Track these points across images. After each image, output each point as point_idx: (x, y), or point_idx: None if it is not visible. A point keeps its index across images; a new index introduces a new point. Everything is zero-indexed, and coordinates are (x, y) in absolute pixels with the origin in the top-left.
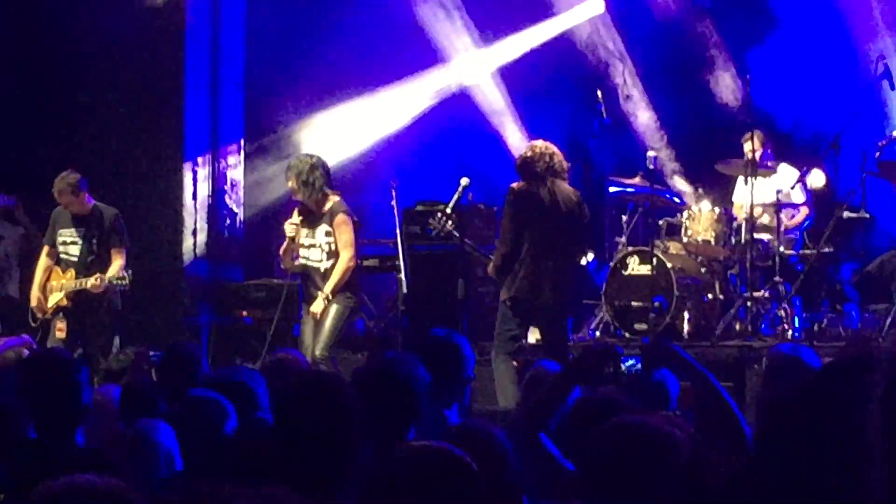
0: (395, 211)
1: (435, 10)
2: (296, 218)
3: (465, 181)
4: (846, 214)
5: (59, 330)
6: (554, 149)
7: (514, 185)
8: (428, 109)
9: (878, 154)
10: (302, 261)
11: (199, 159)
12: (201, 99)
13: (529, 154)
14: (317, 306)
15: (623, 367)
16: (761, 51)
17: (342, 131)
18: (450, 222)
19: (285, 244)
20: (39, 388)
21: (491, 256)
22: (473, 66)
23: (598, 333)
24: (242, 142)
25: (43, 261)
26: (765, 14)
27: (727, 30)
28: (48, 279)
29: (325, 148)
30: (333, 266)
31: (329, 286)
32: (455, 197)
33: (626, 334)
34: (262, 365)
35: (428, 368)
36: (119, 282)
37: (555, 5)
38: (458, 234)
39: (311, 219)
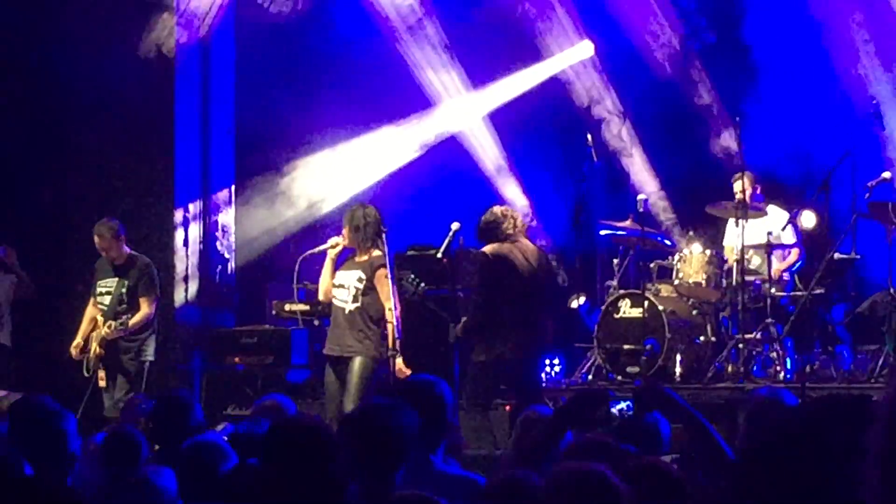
0: (386, 255)
1: (425, 54)
2: (339, 239)
3: (455, 226)
4: (837, 255)
5: (101, 379)
6: (513, 210)
7: (487, 249)
8: (419, 153)
9: (867, 195)
10: (333, 299)
11: (190, 206)
12: (192, 146)
13: (493, 218)
14: (397, 368)
15: (614, 410)
16: (751, 93)
17: (333, 176)
18: (423, 284)
19: (327, 268)
20: (26, 437)
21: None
22: (464, 109)
23: (589, 377)
24: (233, 188)
25: (88, 312)
26: (754, 58)
27: (717, 73)
28: (93, 330)
29: (316, 193)
30: (358, 309)
31: (393, 340)
32: (446, 241)
33: (618, 377)
34: (252, 411)
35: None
36: (119, 326)
37: (544, 49)
38: (429, 296)
39: (350, 264)
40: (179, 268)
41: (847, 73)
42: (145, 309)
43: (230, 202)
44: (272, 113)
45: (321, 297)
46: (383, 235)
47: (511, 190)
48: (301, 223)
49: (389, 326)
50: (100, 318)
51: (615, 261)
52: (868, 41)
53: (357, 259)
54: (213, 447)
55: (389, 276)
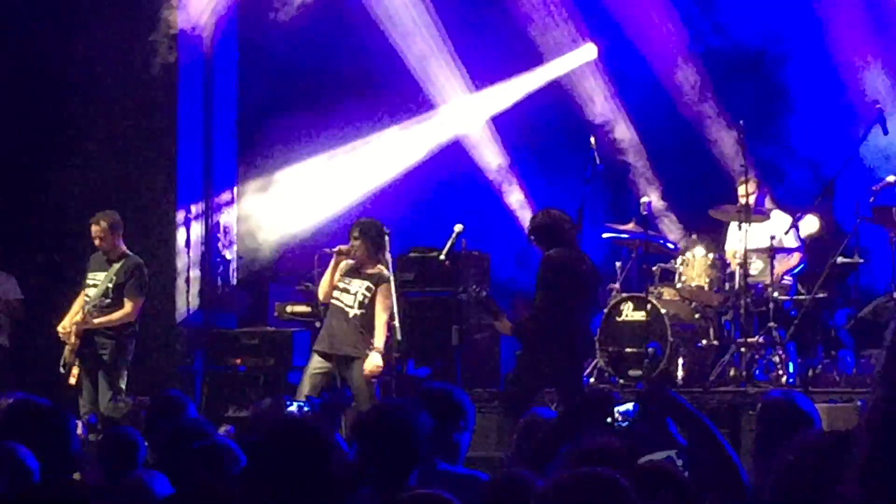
0: (389, 258)
1: (428, 57)
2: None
3: (458, 228)
4: (840, 260)
5: (73, 376)
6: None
7: (554, 253)
8: (421, 156)
9: (871, 199)
10: (332, 300)
11: (192, 207)
12: (194, 146)
13: (551, 221)
14: (371, 362)
15: (617, 412)
16: (754, 96)
17: (336, 178)
18: (483, 292)
19: (330, 271)
20: (25, 438)
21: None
22: (467, 113)
23: (591, 380)
24: (235, 190)
25: (75, 304)
26: (758, 60)
27: (720, 76)
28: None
29: (319, 195)
30: (362, 315)
31: (378, 342)
32: (449, 243)
33: (620, 380)
34: (251, 412)
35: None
36: (91, 310)
37: (547, 52)
38: (494, 307)
39: (352, 273)
40: (181, 269)
41: (851, 78)
42: (128, 308)
43: (232, 203)
44: (275, 113)
45: (321, 297)
46: (388, 251)
47: (514, 193)
48: (303, 225)
49: (381, 333)
50: (76, 309)
51: (618, 264)
52: (871, 45)
53: (367, 270)
54: (224, 450)
55: (392, 292)
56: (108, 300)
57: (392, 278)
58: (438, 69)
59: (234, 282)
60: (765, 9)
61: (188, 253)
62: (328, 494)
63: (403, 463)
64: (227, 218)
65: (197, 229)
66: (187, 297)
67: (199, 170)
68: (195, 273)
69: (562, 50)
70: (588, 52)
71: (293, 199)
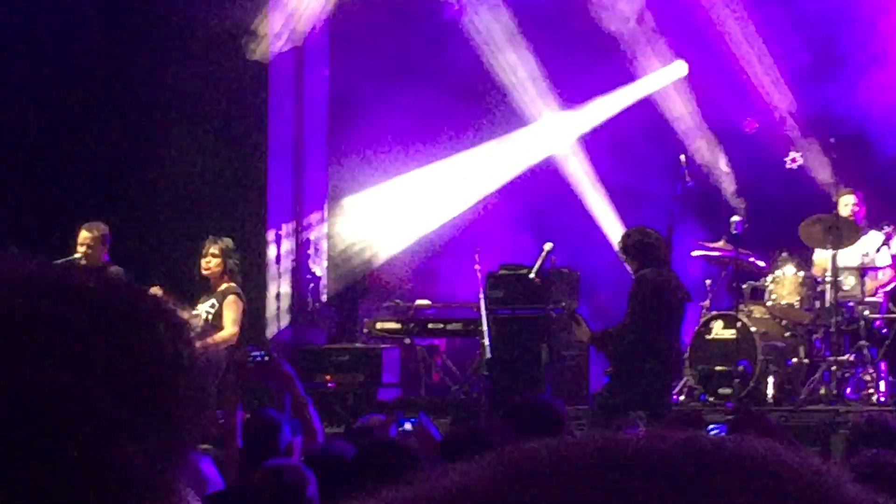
0: (479, 275)
1: (519, 76)
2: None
3: (548, 246)
4: None
5: None
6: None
7: (647, 272)
8: (511, 174)
9: None
10: None
11: (283, 224)
12: (285, 163)
13: (649, 240)
14: None
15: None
16: (842, 113)
17: (426, 194)
18: (574, 304)
19: None
20: None
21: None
22: (557, 131)
23: (681, 398)
24: (326, 206)
25: None
26: (846, 73)
27: (811, 92)
28: None
29: (409, 212)
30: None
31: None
32: (539, 261)
33: (710, 398)
34: (347, 430)
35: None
36: None
37: (638, 69)
38: (580, 320)
39: (207, 295)
40: (271, 286)
41: None
42: None
43: (322, 220)
44: (365, 129)
45: None
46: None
47: (603, 211)
48: (394, 241)
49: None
50: None
51: (708, 282)
52: None
53: (216, 289)
54: (294, 470)
55: (239, 304)
56: None
57: (241, 295)
58: (529, 86)
59: (324, 298)
60: (858, 23)
61: (279, 270)
62: None
63: None
64: (317, 234)
65: (287, 246)
66: (277, 314)
67: (289, 187)
68: (285, 290)
69: (652, 67)
70: (678, 69)
71: (383, 215)
